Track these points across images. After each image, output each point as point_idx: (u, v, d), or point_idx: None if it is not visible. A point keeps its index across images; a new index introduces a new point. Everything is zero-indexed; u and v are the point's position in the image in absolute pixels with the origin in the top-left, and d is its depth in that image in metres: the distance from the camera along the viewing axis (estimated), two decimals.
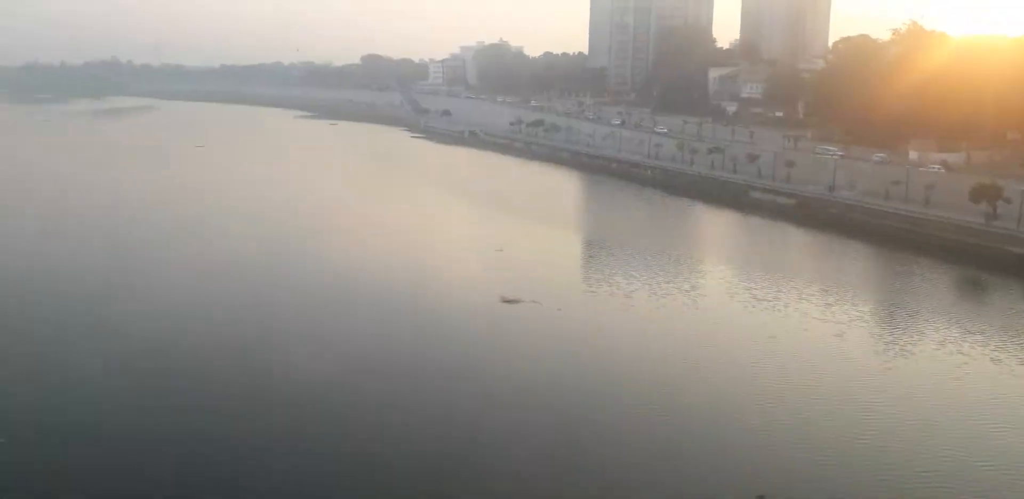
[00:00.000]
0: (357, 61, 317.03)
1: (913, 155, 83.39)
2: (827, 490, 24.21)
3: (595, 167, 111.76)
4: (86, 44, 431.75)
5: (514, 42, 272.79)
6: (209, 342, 37.20)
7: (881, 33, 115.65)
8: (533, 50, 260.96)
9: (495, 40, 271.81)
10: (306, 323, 40.49)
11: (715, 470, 25.48)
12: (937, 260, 56.50)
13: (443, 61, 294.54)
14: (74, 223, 67.18)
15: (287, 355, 35.35)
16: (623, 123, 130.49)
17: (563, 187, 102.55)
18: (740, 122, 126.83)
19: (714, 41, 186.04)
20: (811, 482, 24.68)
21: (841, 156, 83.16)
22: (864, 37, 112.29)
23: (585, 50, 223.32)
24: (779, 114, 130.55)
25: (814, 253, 61.44)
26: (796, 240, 65.89)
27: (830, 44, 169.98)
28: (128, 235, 62.49)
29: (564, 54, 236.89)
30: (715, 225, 75.86)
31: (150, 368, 33.47)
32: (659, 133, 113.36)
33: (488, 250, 58.63)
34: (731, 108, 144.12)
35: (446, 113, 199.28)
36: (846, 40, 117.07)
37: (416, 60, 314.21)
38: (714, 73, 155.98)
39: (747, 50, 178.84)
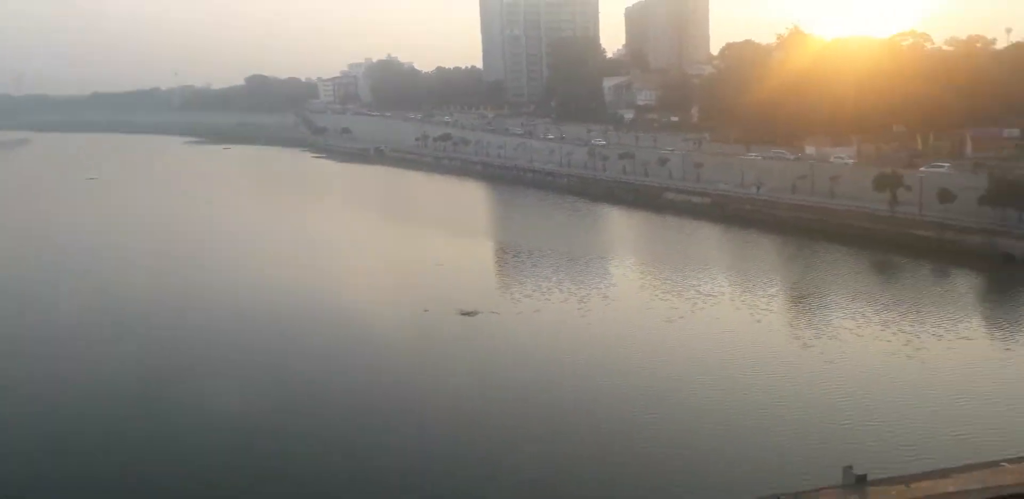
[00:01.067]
0: (240, 82, 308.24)
1: (810, 150, 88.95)
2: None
3: (510, 178, 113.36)
4: None
5: (403, 58, 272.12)
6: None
7: (760, 38, 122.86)
8: (424, 65, 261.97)
9: (383, 56, 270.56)
10: (266, 352, 39.28)
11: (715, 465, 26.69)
12: (850, 246, 60.61)
13: (334, 79, 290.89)
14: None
15: (256, 378, 34.43)
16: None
17: (484, 199, 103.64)
18: (638, 128, 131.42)
19: (604, 51, 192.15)
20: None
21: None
22: (749, 42, 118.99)
23: (478, 63, 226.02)
24: (675, 119, 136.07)
25: (737, 247, 64.63)
26: (718, 236, 69.15)
27: (712, 50, 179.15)
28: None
29: (457, 68, 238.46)
30: (639, 227, 78.43)
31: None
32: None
33: (429, 266, 58.71)
34: (628, 115, 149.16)
35: (346, 131, 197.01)
36: (732, 46, 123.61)
37: (303, 79, 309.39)
38: (608, 82, 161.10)
39: (635, 58, 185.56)
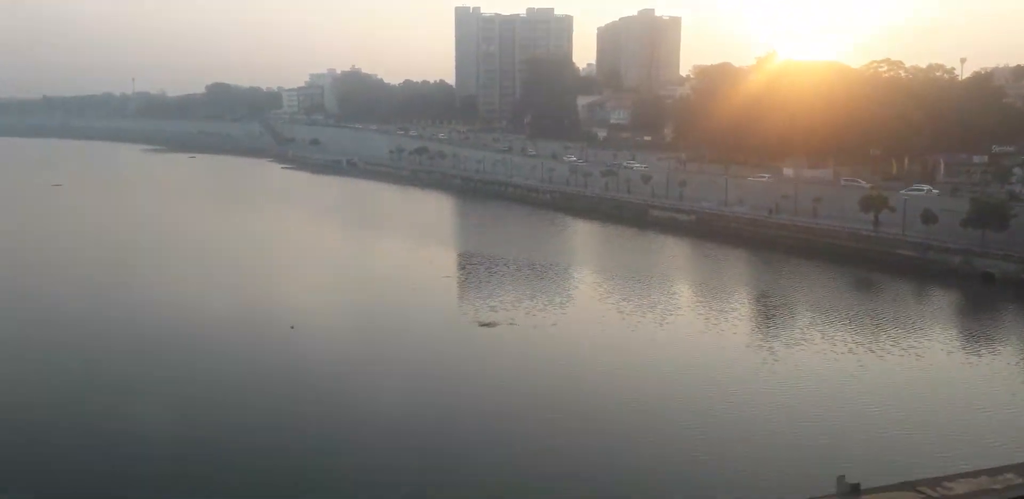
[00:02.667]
0: (196, 90, 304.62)
1: (788, 172, 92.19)
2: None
3: (491, 193, 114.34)
4: None
5: (367, 69, 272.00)
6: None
7: (730, 60, 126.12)
8: (388, 77, 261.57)
9: (347, 67, 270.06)
10: (307, 364, 39.10)
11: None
12: (835, 264, 63.14)
13: (299, 89, 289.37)
14: None
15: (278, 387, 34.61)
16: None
17: (472, 213, 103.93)
18: (611, 146, 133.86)
19: (577, 69, 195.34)
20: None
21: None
22: (725, 64, 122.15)
23: (446, 77, 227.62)
24: (647, 138, 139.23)
25: (729, 265, 66.65)
26: (709, 253, 70.93)
27: (681, 71, 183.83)
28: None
29: (425, 82, 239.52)
30: (631, 244, 79.09)
31: None
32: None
33: (437, 278, 59.36)
34: (601, 133, 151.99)
35: (314, 142, 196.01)
36: (705, 67, 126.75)
37: (265, 88, 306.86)
38: (582, 100, 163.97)
39: (607, 78, 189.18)
